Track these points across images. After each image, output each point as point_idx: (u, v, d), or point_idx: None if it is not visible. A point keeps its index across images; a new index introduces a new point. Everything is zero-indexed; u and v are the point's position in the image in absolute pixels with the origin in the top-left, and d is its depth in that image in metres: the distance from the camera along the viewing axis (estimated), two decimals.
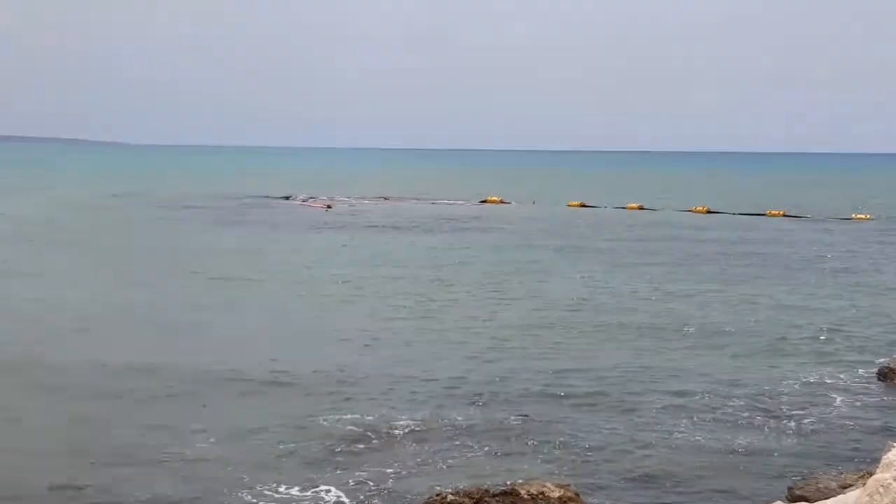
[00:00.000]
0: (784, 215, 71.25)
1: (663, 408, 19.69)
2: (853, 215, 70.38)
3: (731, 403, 20.07)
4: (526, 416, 18.97)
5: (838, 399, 20.57)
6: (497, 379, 21.70)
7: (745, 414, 19.42)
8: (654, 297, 32.94)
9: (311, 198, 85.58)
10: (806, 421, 19.01)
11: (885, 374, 22.19)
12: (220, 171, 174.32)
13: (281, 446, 17.13)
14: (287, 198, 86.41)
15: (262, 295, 32.90)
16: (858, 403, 20.28)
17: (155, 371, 22.03)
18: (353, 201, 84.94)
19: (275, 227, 59.58)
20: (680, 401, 20.17)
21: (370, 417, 18.74)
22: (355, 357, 23.87)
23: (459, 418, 18.77)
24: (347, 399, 20.10)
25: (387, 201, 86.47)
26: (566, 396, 20.43)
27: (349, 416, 18.79)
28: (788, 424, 18.80)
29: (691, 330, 27.47)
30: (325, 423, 18.45)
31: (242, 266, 39.68)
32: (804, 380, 22.09)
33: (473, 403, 19.86)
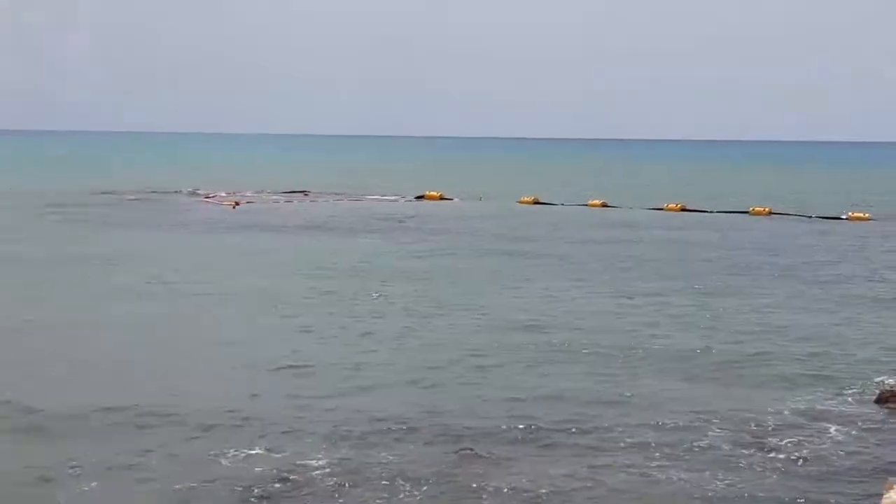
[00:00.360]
0: (770, 213, 72.35)
1: (632, 443, 19.77)
2: (849, 214, 71.72)
3: (711, 436, 20.22)
4: (470, 451, 18.90)
5: (832, 428, 20.83)
6: (434, 410, 21.61)
7: (727, 447, 19.57)
8: (619, 312, 33.18)
9: (215, 194, 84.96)
10: (795, 455, 19.21)
11: (884, 399, 22.55)
12: (108, 160, 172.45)
13: (176, 491, 16.84)
14: (194, 193, 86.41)
15: (153, 311, 32.46)
16: (854, 433, 20.57)
17: (16, 405, 21.53)
18: (266, 196, 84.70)
19: (172, 228, 59.25)
20: (651, 434, 20.26)
21: (283, 456, 18.54)
22: (265, 385, 23.62)
23: (390, 457, 18.63)
24: (258, 435, 19.85)
25: (306, 197, 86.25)
26: (517, 430, 20.40)
27: (258, 455, 18.57)
28: (777, 458, 18.99)
29: (663, 350, 27.71)
30: (228, 463, 18.19)
31: (131, 277, 39.16)
32: (793, 406, 22.35)
33: (405, 439, 19.73)
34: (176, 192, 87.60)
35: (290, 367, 25.46)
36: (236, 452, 18.69)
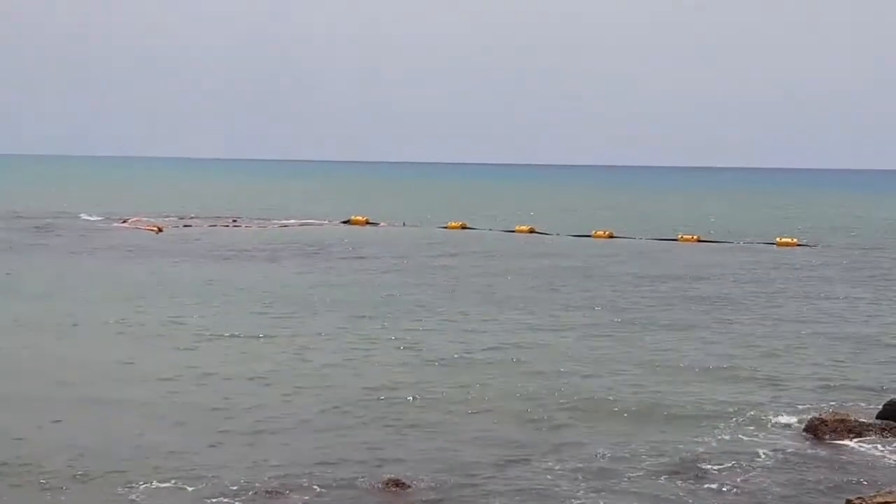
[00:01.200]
0: (698, 240, 72.65)
1: (562, 476, 19.48)
2: (777, 239, 72.56)
3: (642, 468, 19.99)
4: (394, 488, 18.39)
5: (762, 457, 20.77)
6: (341, 463, 20.16)
7: (658, 479, 19.31)
8: (547, 348, 32.14)
9: (136, 219, 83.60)
10: (728, 484, 19.04)
11: (813, 428, 22.48)
12: (8, 182, 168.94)
13: None
14: (107, 218, 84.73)
15: (55, 346, 31.43)
16: (785, 461, 20.53)
17: None
18: (190, 221, 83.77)
19: (89, 253, 58.03)
20: (581, 470, 19.95)
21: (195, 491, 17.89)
22: (144, 427, 22.41)
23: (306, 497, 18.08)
24: (170, 477, 19.16)
25: (234, 222, 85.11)
26: (444, 470, 19.91)
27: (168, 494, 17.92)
28: (709, 489, 18.84)
29: (587, 384, 27.32)
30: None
31: (39, 309, 37.72)
32: (722, 437, 22.19)
33: (324, 479, 19.18)
34: (77, 215, 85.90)
35: (180, 405, 24.43)
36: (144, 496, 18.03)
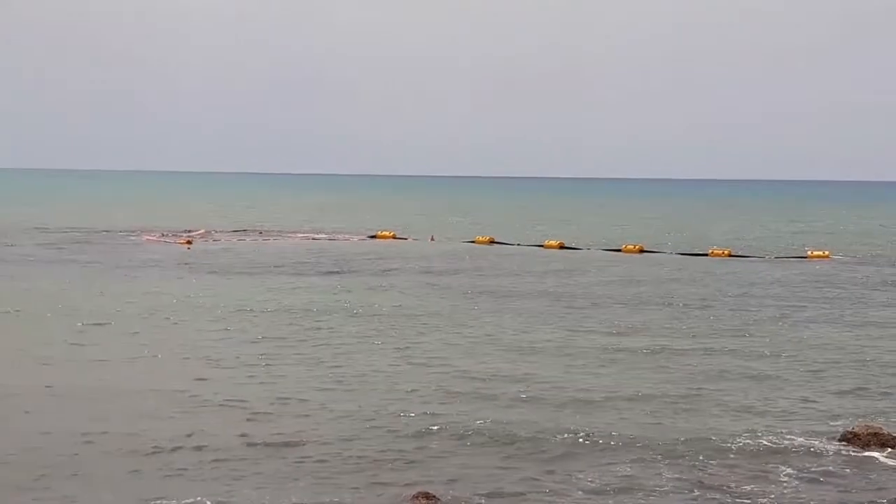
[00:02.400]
0: (729, 255, 72.31)
1: (591, 488, 19.63)
2: (809, 253, 72.03)
3: (665, 478, 20.09)
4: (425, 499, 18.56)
5: (796, 468, 20.81)
6: (373, 475, 20.44)
7: (689, 490, 19.43)
8: (592, 364, 32.06)
9: (166, 233, 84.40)
10: (761, 501, 19.05)
11: (847, 441, 22.42)
12: (34, 197, 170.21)
13: None
14: (133, 232, 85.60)
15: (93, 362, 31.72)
16: (817, 472, 20.59)
17: None
18: (219, 236, 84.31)
19: (121, 268, 58.20)
20: (609, 478, 20.09)
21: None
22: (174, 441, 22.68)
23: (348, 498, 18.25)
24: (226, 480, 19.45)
25: (260, 235, 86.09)
26: (479, 476, 20.08)
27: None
28: (742, 502, 18.84)
29: (616, 390, 27.54)
30: None
31: (66, 329, 36.77)
32: (752, 449, 22.26)
33: (362, 483, 19.41)
34: (105, 231, 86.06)
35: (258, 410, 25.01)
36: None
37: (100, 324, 37.40)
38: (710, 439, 22.78)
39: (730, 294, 49.50)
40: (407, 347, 33.97)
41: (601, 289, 51.04)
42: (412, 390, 27.46)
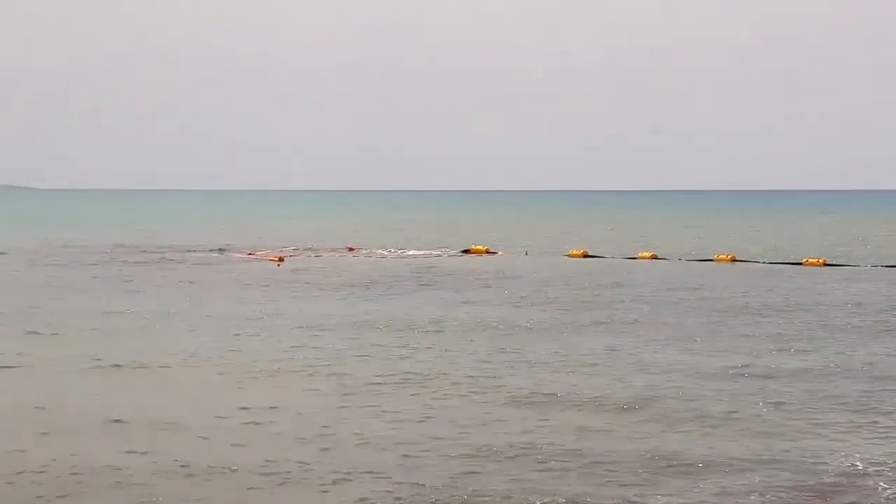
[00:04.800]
0: (824, 264, 71.57)
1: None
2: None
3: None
4: None
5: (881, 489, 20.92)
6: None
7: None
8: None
9: (258, 250, 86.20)
10: None
11: None
12: (112, 216, 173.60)
13: None
14: (221, 250, 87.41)
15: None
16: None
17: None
18: (311, 253, 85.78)
19: (216, 286, 59.24)
20: (708, 498, 20.42)
21: None
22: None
23: None
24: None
25: (350, 252, 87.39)
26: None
27: None
28: None
29: (710, 406, 27.76)
30: None
31: (153, 349, 36.80)
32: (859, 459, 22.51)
33: None
34: (191, 250, 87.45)
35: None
36: None
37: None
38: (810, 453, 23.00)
39: None
40: (508, 365, 34.13)
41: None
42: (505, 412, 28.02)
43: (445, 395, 29.42)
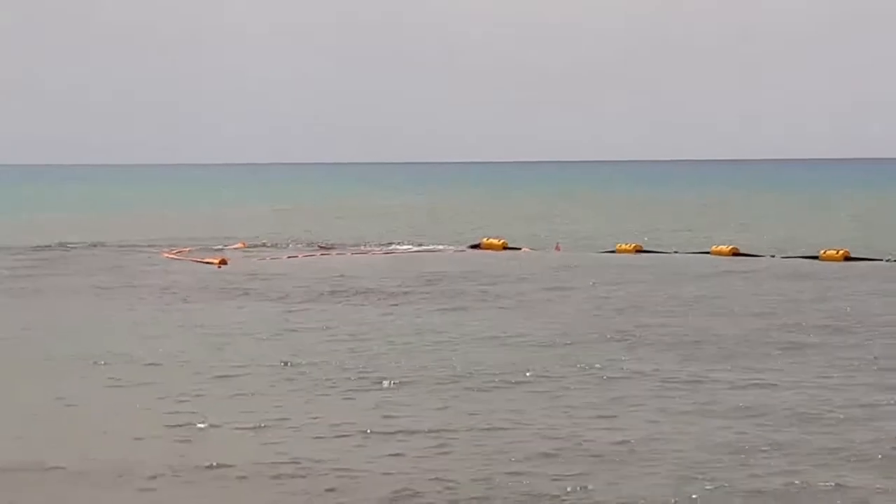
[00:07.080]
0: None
1: None
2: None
3: None
4: None
5: None
6: None
7: None
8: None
9: (188, 249, 67.13)
10: None
11: None
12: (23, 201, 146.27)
13: None
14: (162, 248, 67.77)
15: None
16: None
17: None
18: (266, 251, 67.96)
19: (135, 294, 46.41)
20: None
21: None
22: None
23: None
24: None
25: (321, 251, 68.20)
26: None
27: None
28: None
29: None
30: None
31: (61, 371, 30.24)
32: None
33: None
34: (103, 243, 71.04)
35: None
36: None
37: None
38: None
39: None
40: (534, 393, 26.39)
41: None
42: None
43: None
